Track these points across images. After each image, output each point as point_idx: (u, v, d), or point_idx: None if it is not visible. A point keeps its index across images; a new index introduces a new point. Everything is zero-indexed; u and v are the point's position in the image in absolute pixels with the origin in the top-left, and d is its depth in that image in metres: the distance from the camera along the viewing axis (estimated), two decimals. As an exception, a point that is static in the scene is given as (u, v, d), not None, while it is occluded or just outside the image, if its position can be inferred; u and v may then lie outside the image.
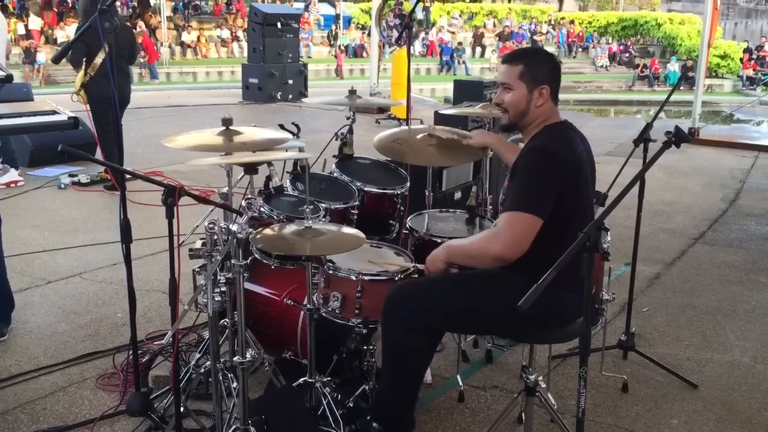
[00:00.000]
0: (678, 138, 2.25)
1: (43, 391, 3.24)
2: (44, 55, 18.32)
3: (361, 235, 2.71)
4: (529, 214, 2.39)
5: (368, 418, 2.72)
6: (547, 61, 2.64)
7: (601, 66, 26.88)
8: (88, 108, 5.90)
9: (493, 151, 3.16)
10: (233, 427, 2.43)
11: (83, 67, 6.03)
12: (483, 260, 2.49)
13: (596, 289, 3.06)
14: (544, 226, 2.41)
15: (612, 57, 27.40)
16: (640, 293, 4.53)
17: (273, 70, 13.89)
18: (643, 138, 3.42)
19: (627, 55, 27.30)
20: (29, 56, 18.39)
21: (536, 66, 2.58)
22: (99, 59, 5.94)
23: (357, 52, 25.43)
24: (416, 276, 2.81)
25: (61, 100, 5.08)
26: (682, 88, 17.67)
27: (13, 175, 7.08)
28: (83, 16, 6.86)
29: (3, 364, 3.45)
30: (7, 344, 3.70)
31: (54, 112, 4.34)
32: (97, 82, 6.02)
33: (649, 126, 3.42)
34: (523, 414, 2.90)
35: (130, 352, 3.10)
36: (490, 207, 3.91)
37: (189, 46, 22.78)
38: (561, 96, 2.64)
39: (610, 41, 28.60)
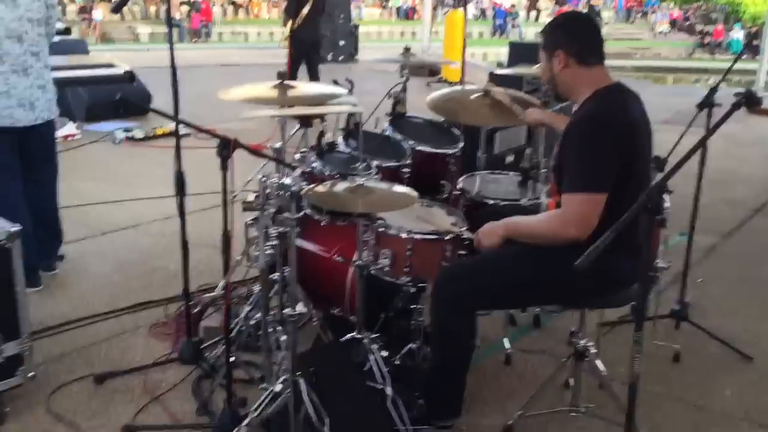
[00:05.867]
0: (749, 100, 2.16)
1: (98, 337, 3.34)
2: (101, 12, 18.53)
3: (414, 193, 2.69)
4: (593, 193, 2.34)
5: (416, 395, 2.72)
6: (559, 25, 2.60)
7: (661, 32, 26.05)
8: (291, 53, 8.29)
9: (547, 127, 3.12)
10: (282, 378, 2.46)
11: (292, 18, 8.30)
12: (553, 242, 2.43)
13: (652, 257, 2.99)
14: None
15: (672, 23, 26.52)
16: (696, 263, 4.39)
17: (324, 30, 13.81)
18: (708, 102, 3.30)
19: (688, 21, 26.39)
20: (86, 13, 18.64)
21: (549, 33, 2.58)
22: (305, 10, 8.29)
23: (408, 14, 25.15)
24: (466, 239, 2.78)
25: (117, 57, 5.14)
26: (745, 56, 17.01)
27: (70, 128, 7.23)
28: None
29: (61, 310, 3.56)
30: (65, 291, 3.82)
31: (110, 65, 4.40)
32: (304, 28, 8.35)
33: (713, 90, 3.29)
34: (570, 379, 2.87)
35: (183, 303, 3.16)
36: (544, 170, 3.83)
37: (241, 6, 22.80)
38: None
39: (671, 6, 27.66)
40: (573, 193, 2.38)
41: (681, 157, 1.92)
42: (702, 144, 2.07)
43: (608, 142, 2.36)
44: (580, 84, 2.51)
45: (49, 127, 3.74)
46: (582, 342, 2.68)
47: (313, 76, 8.74)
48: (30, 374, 2.74)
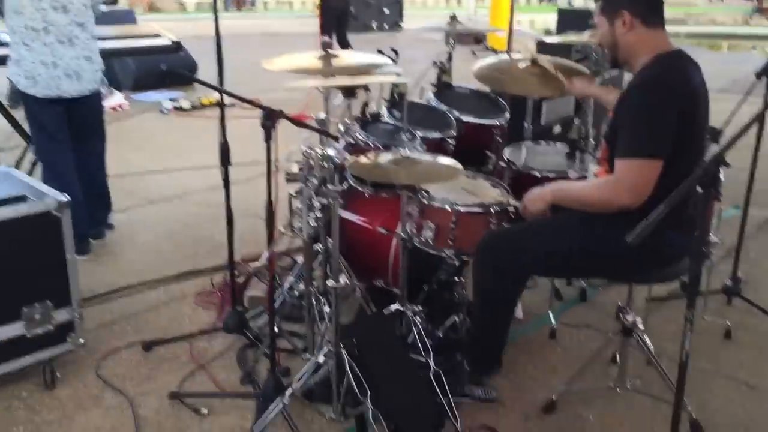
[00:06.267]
0: (813, 68, 2.05)
1: (146, 305, 3.40)
2: (147, -18, 18.69)
3: (458, 165, 2.64)
4: (649, 159, 2.26)
5: (459, 358, 2.73)
6: None
7: (716, -3, 25.12)
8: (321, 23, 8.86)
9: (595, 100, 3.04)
10: (325, 349, 2.47)
11: None
12: (603, 209, 2.36)
13: (704, 231, 2.90)
14: None
15: (729, -13, 25.55)
16: (749, 238, 4.27)
17: (369, -2, 13.71)
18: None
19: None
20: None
21: None
22: None
23: (454, -20, 24.74)
24: (512, 210, 2.74)
25: (164, 27, 5.17)
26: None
27: (118, 98, 7.34)
28: None
29: (109, 278, 3.63)
30: (114, 258, 3.90)
31: (157, 36, 4.42)
32: None
33: (774, 58, 3.15)
34: (617, 354, 2.82)
35: (228, 272, 3.19)
36: (592, 141, 3.74)
37: (285, -26, 22.75)
38: (669, 28, 2.43)
39: (727, -30, 26.63)
40: (628, 159, 2.30)
41: (739, 130, 1.84)
42: (761, 116, 1.99)
43: (669, 108, 2.27)
44: (642, 48, 2.41)
45: (96, 98, 3.79)
46: (630, 318, 2.62)
47: (343, 46, 8.76)
48: (80, 340, 2.81)
